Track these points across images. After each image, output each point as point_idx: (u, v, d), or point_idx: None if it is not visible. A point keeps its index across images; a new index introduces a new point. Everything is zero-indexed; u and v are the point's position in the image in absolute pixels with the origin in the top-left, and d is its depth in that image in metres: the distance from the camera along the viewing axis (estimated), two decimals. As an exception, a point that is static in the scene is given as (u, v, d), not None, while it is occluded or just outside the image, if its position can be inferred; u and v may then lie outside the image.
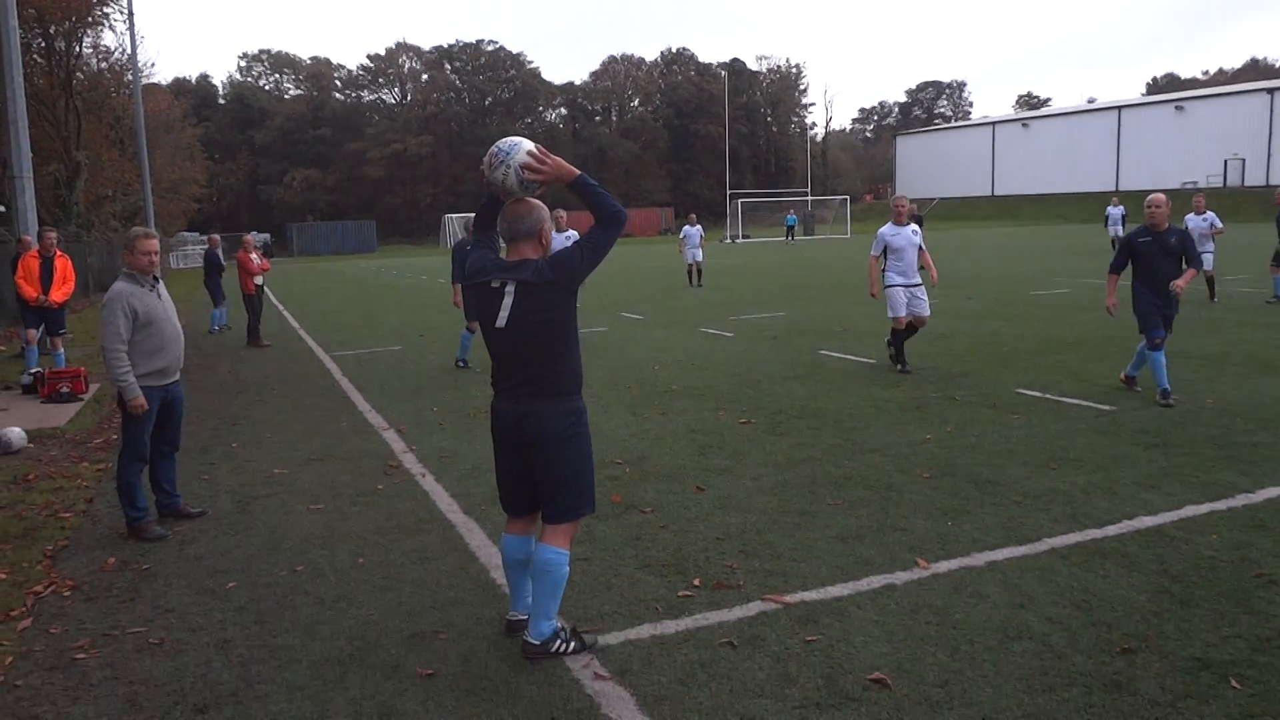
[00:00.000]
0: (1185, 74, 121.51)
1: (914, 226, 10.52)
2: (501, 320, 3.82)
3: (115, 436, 8.33)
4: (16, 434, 8.25)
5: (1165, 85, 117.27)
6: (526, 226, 3.99)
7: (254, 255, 15.65)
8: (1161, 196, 8.66)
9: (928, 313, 10.46)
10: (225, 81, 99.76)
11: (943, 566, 4.73)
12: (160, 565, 5.24)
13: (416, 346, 14.23)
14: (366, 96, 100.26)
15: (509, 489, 4.07)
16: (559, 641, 3.93)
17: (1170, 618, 4.07)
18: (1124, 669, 3.64)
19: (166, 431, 5.95)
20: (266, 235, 72.02)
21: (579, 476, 3.91)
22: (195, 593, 4.82)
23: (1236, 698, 3.42)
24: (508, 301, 3.82)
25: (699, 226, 24.60)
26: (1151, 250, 8.51)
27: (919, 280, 10.39)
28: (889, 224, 10.48)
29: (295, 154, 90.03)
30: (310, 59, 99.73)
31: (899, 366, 10.35)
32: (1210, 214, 16.71)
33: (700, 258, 24.23)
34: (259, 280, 15.43)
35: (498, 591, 4.65)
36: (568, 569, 3.92)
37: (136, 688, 3.83)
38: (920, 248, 10.34)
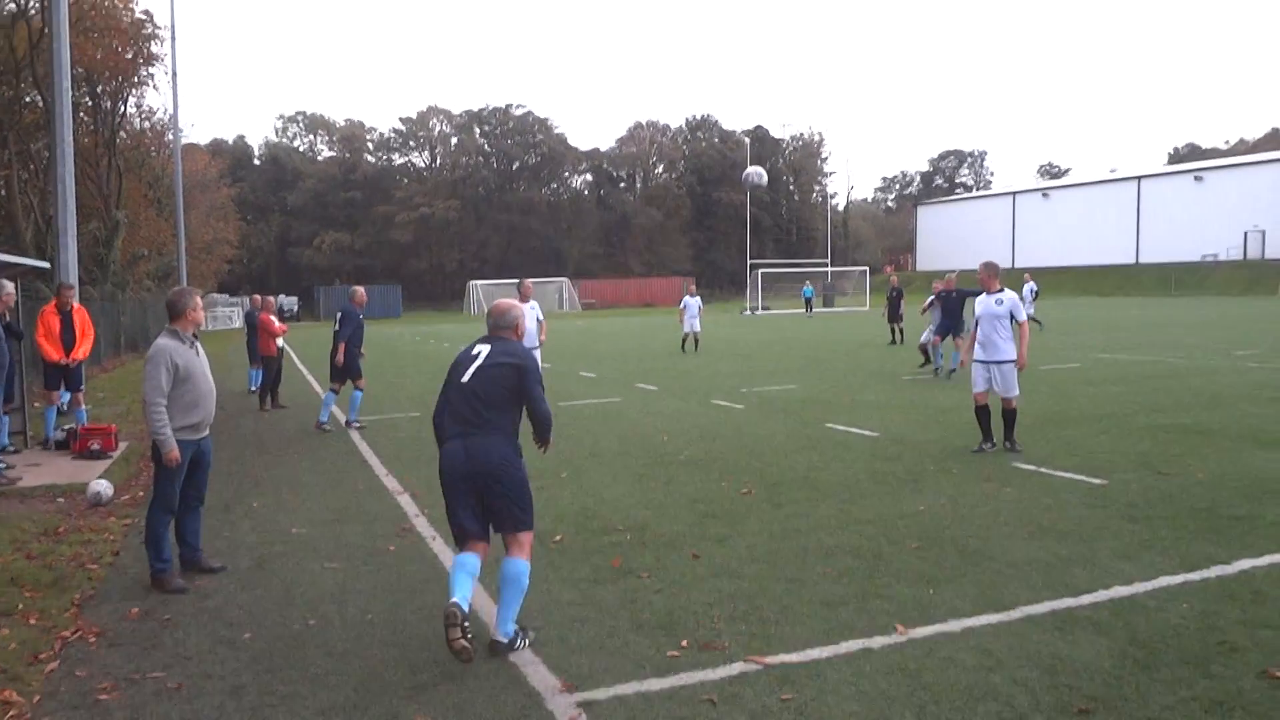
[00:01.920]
0: (1206, 144, 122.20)
1: (999, 296, 9.91)
2: (468, 375, 5.02)
3: (143, 493, 8.72)
4: (105, 486, 8.75)
5: (1186, 155, 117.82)
6: (508, 321, 5.31)
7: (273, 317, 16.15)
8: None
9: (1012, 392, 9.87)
10: (261, 142, 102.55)
11: (920, 632, 4.97)
12: (180, 616, 5.56)
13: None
14: (397, 159, 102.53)
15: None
16: (519, 640, 4.88)
17: (1131, 681, 4.30)
18: (1077, 731, 3.87)
19: (194, 485, 6.33)
20: (294, 299, 73.39)
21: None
22: (212, 642, 5.13)
23: (1179, 759, 3.63)
24: (477, 362, 5.06)
25: (698, 298, 26.36)
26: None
27: (997, 356, 9.84)
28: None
29: (326, 216, 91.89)
30: (344, 121, 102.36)
31: (985, 444, 9.92)
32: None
33: (698, 328, 25.80)
34: (280, 342, 15.90)
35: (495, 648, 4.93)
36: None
37: (156, 730, 4.12)
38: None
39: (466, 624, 4.55)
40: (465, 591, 4.69)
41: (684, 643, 4.91)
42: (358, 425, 13.13)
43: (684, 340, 25.86)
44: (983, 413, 9.99)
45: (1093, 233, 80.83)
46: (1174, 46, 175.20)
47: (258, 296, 18.30)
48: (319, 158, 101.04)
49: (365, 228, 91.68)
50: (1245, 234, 69.20)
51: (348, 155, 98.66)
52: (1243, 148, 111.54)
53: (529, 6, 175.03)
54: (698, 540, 6.86)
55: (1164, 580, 5.66)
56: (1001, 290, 9.94)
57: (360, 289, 13.89)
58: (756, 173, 15.77)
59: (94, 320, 13.22)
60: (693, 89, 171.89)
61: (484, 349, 5.12)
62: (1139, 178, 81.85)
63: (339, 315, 13.45)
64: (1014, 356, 9.77)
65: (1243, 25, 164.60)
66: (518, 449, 5.05)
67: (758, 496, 8.21)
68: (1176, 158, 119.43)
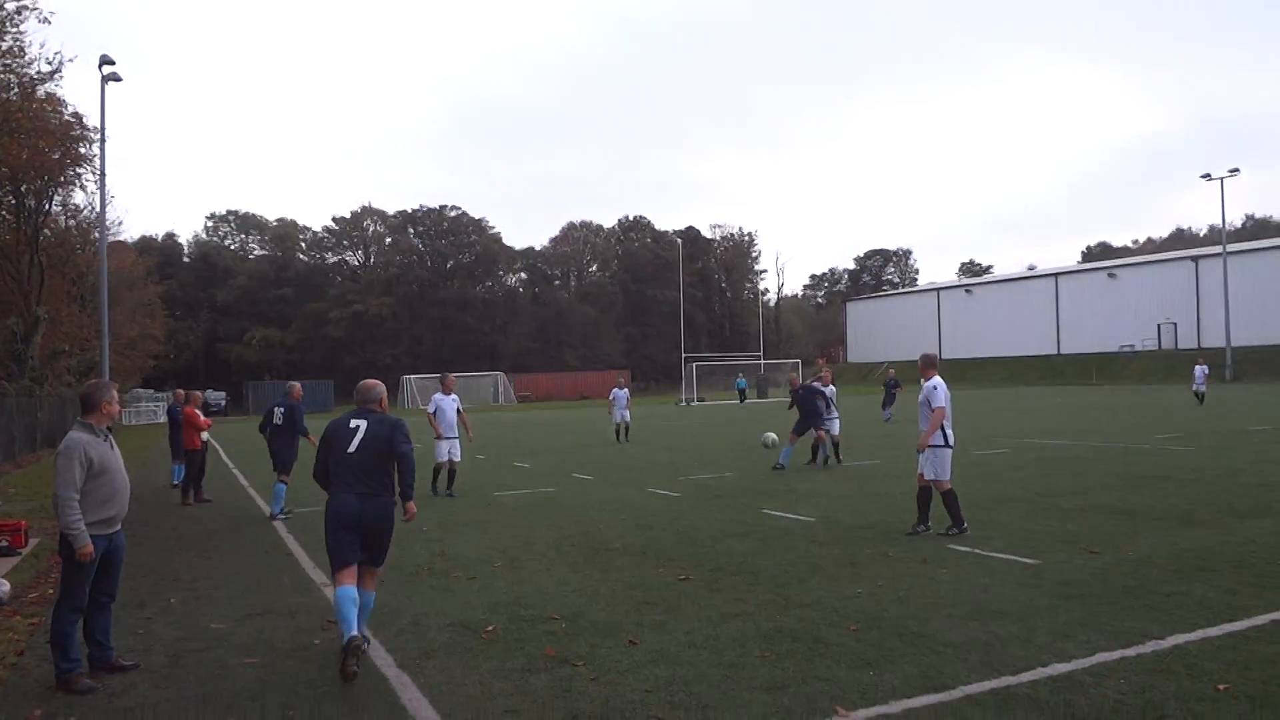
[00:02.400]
0: (1117, 243, 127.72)
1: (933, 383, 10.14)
2: (353, 446, 6.30)
3: (51, 591, 8.28)
4: (3, 586, 8.28)
5: (1098, 253, 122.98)
6: (374, 396, 6.72)
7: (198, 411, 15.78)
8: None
9: None
10: (191, 240, 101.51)
11: (860, 715, 4.88)
12: (86, 717, 5.22)
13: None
14: (330, 258, 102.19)
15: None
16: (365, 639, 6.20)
17: (1073, 760, 4.25)
18: (1023, 808, 3.79)
19: (106, 582, 6.02)
20: (222, 394, 71.85)
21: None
22: (121, 746, 4.82)
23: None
24: (358, 435, 6.36)
25: (626, 390, 27.27)
26: None
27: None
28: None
29: (256, 313, 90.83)
30: (276, 220, 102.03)
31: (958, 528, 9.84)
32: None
33: (628, 418, 26.61)
34: (204, 436, 15.48)
35: (425, 742, 4.72)
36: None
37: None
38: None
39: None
40: (353, 620, 5.90)
41: (621, 731, 4.75)
42: (282, 516, 13.03)
43: (616, 431, 26.37)
44: (923, 494, 10.09)
45: (1015, 326, 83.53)
46: (1081, 150, 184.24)
47: (181, 391, 17.88)
48: (250, 255, 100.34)
49: (297, 324, 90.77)
50: (1159, 326, 72.13)
51: (280, 254, 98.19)
52: (1150, 246, 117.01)
53: (460, 109, 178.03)
54: (635, 627, 6.70)
55: (1101, 657, 5.66)
56: (929, 379, 10.20)
57: (297, 384, 14.01)
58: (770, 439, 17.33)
59: (3, 413, 12.80)
60: (625, 191, 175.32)
61: (361, 424, 6.41)
62: (1056, 274, 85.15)
63: (286, 410, 13.42)
64: (931, 442, 9.91)
65: (1141, 132, 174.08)
66: (393, 499, 6.38)
67: (695, 582, 8.09)
68: (1090, 256, 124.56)
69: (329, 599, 7.94)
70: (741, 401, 58.40)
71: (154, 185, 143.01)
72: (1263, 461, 15.46)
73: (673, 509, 12.59)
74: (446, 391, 15.01)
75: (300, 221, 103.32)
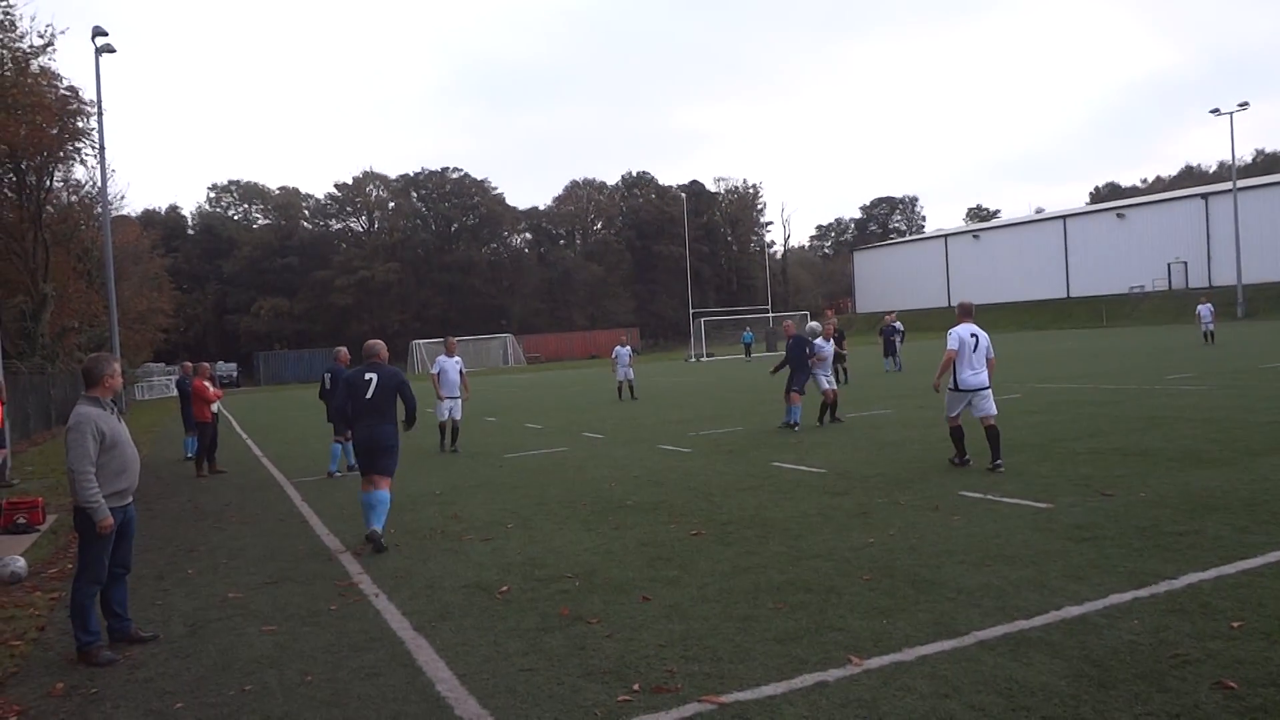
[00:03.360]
0: (1125, 183, 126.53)
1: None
2: (370, 393, 8.69)
3: (70, 565, 8.35)
4: (19, 564, 8.37)
5: (1107, 194, 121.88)
6: (375, 351, 9.06)
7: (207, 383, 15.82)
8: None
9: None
10: (194, 212, 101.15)
11: (875, 663, 4.89)
12: (108, 689, 5.28)
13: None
14: (334, 225, 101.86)
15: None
16: (382, 534, 8.52)
17: (1088, 700, 4.25)
18: (1037, 751, 3.80)
19: (120, 553, 6.07)
20: (233, 365, 72.19)
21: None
22: (142, 714, 4.88)
23: (1140, 773, 3.58)
24: (372, 384, 8.71)
25: (629, 347, 27.18)
26: None
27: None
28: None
29: (263, 283, 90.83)
30: (279, 189, 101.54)
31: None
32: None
33: (631, 375, 26.56)
34: (215, 407, 15.54)
35: (441, 702, 4.75)
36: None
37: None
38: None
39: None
40: (373, 519, 8.51)
41: (635, 686, 4.78)
42: (337, 474, 13.85)
43: (619, 388, 26.43)
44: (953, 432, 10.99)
45: (1024, 270, 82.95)
46: (1088, 90, 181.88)
47: (189, 364, 17.94)
48: (254, 225, 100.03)
49: (304, 293, 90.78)
50: (1169, 266, 71.56)
51: (284, 222, 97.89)
52: (1159, 185, 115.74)
53: (457, 70, 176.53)
54: (648, 583, 6.73)
55: (1114, 598, 5.66)
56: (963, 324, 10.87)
57: (343, 349, 14.63)
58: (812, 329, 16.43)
59: (16, 391, 12.93)
60: (628, 147, 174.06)
61: (374, 376, 8.80)
62: (1064, 216, 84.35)
63: (334, 374, 13.82)
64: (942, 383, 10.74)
65: (1149, 68, 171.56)
66: (398, 428, 8.86)
67: (707, 537, 8.11)
68: (1098, 197, 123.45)
69: (344, 565, 8.04)
70: (748, 356, 58.20)
71: (154, 158, 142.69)
72: (1276, 398, 15.38)
73: (684, 465, 12.62)
74: (449, 354, 15.76)
75: (303, 189, 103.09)
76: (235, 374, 71.16)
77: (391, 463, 8.72)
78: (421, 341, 72.23)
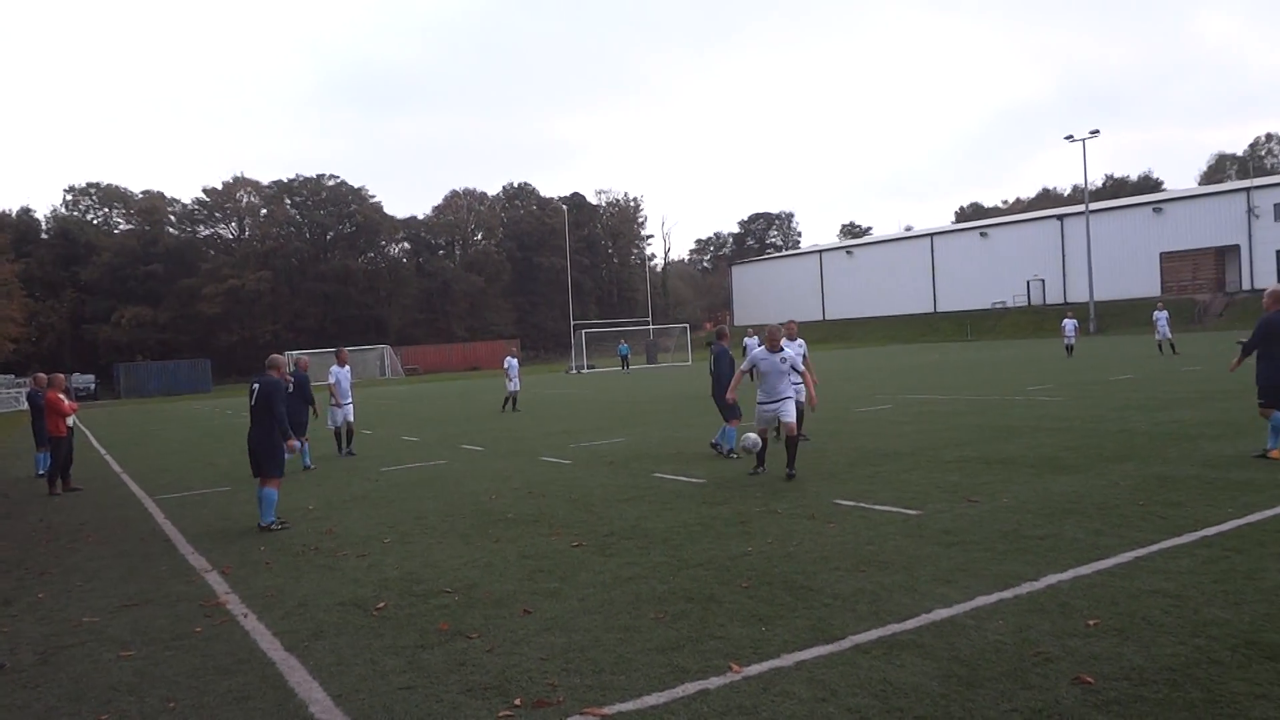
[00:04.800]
0: (988, 203, 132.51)
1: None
2: (253, 401, 9.96)
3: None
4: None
5: (971, 213, 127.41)
6: (272, 363, 10.26)
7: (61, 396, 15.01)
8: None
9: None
10: (49, 215, 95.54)
11: (754, 669, 4.95)
12: (-53, 725, 4.93)
13: (248, 487, 13.75)
14: (202, 231, 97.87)
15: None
16: (275, 523, 9.91)
17: (957, 699, 4.40)
18: (910, 751, 3.91)
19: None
20: (90, 377, 68.56)
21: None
22: (-15, 750, 4.56)
23: (1006, 768, 3.71)
24: (254, 393, 9.95)
25: (516, 359, 27.18)
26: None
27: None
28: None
29: (124, 291, 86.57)
30: (142, 193, 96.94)
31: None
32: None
33: (518, 387, 26.60)
34: (70, 421, 14.74)
35: (315, 725, 4.60)
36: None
37: None
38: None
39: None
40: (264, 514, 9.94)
41: (517, 701, 4.72)
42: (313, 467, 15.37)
43: (506, 400, 26.34)
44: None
45: (894, 285, 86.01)
46: (954, 113, 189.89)
47: (41, 375, 16.94)
48: (115, 230, 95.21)
49: (169, 301, 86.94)
50: (1028, 283, 75.23)
51: (147, 228, 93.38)
52: (1019, 206, 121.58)
53: (330, 74, 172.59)
54: (529, 596, 6.67)
55: (980, 600, 5.88)
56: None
57: (305, 356, 16.66)
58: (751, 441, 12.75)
59: None
60: (509, 157, 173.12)
61: (256, 385, 10.03)
62: (932, 234, 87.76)
63: (297, 380, 15.50)
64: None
65: (1011, 95, 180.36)
66: (276, 435, 9.98)
67: (588, 548, 8.09)
68: (963, 216, 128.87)
69: (210, 585, 7.71)
70: (625, 368, 58.62)
71: (3, 156, 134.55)
72: (1125, 408, 16.29)
73: (564, 476, 12.57)
74: (341, 364, 17.45)
75: (168, 193, 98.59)
76: (93, 386, 67.54)
77: (269, 465, 9.86)
78: (295, 353, 70.04)
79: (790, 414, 11.30)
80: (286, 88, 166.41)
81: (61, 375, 16.31)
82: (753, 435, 11.39)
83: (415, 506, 10.92)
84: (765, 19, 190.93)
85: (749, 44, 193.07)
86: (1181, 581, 5.99)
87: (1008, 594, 5.97)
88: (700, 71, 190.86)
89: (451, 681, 5.08)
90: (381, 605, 6.66)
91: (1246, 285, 63.51)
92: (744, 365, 11.94)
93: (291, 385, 14.83)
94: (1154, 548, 6.88)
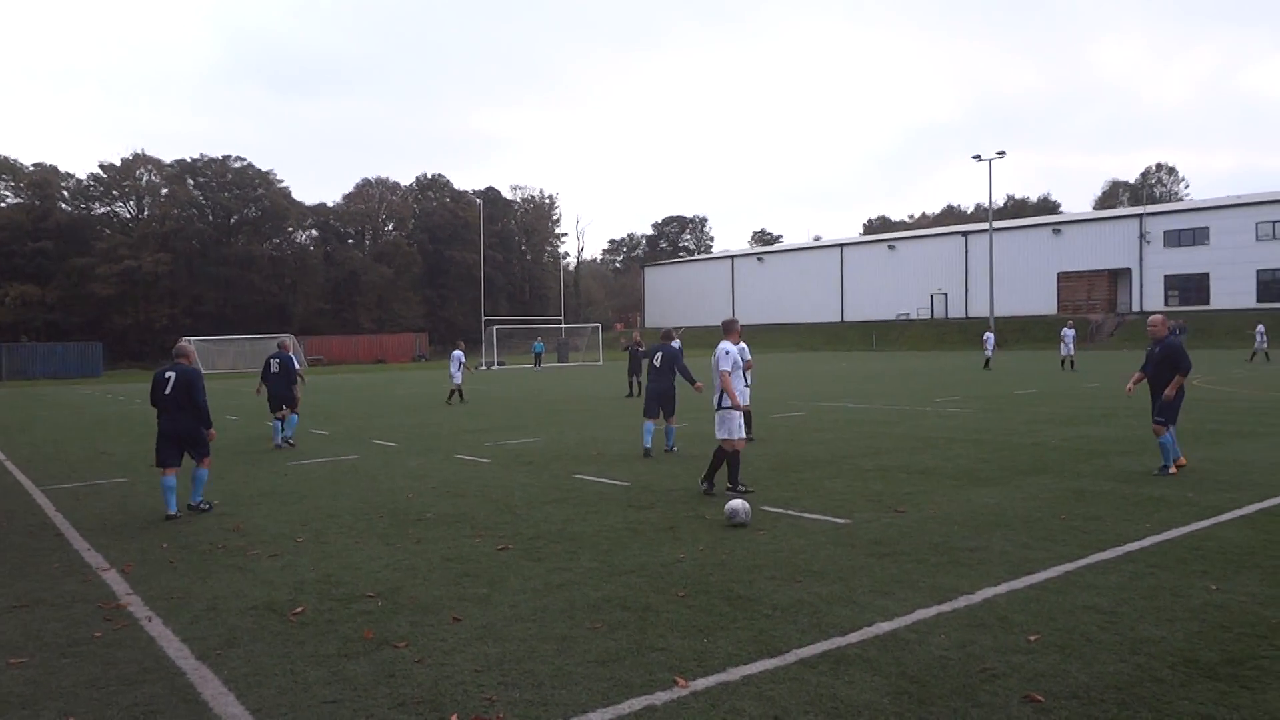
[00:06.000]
0: (895, 216, 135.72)
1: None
2: (169, 389, 9.90)
3: None
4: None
5: (879, 226, 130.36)
6: (179, 351, 10.33)
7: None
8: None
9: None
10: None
11: (701, 684, 4.79)
12: None
13: (147, 478, 13.06)
14: (97, 209, 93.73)
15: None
16: (205, 504, 10.22)
17: (911, 717, 4.31)
18: (870, 773, 3.79)
19: None
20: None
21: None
22: None
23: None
24: (170, 382, 9.91)
25: (460, 352, 26.47)
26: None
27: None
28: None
29: (10, 268, 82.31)
30: (33, 165, 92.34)
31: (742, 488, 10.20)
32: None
33: (460, 380, 26.17)
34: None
35: (234, 742, 4.27)
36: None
37: None
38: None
39: None
40: (174, 504, 9.85)
41: (453, 717, 4.46)
42: (290, 445, 16.25)
43: (451, 393, 26.04)
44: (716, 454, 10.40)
45: (803, 293, 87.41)
46: (865, 126, 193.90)
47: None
48: (2, 204, 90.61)
49: (59, 280, 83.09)
50: (931, 296, 77.25)
51: (38, 202, 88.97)
52: (925, 221, 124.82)
53: (237, 50, 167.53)
54: (457, 602, 6.39)
55: (920, 613, 5.83)
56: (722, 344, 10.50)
57: (288, 338, 16.73)
58: (740, 510, 10.47)
59: None
60: (423, 148, 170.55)
61: (173, 374, 9.96)
62: (841, 245, 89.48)
63: (281, 361, 16.71)
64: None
65: (920, 112, 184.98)
66: (198, 423, 9.98)
67: (515, 552, 7.84)
68: (870, 228, 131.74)
69: (109, 585, 7.23)
70: (538, 365, 58.34)
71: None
72: (1034, 422, 16.69)
73: (483, 476, 12.26)
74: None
75: (62, 168, 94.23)
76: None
77: (196, 449, 10.07)
78: (194, 339, 67.59)
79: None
80: (192, 61, 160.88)
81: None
82: (744, 506, 8.77)
83: (328, 504, 10.48)
84: (688, 24, 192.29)
85: (670, 48, 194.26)
86: (1113, 598, 6.05)
87: (946, 607, 5.94)
88: (621, 73, 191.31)
89: (380, 695, 4.79)
90: (299, 610, 6.30)
91: (1136, 307, 66.33)
92: (726, 365, 10.17)
93: (278, 366, 16.48)
94: (1081, 562, 6.95)
